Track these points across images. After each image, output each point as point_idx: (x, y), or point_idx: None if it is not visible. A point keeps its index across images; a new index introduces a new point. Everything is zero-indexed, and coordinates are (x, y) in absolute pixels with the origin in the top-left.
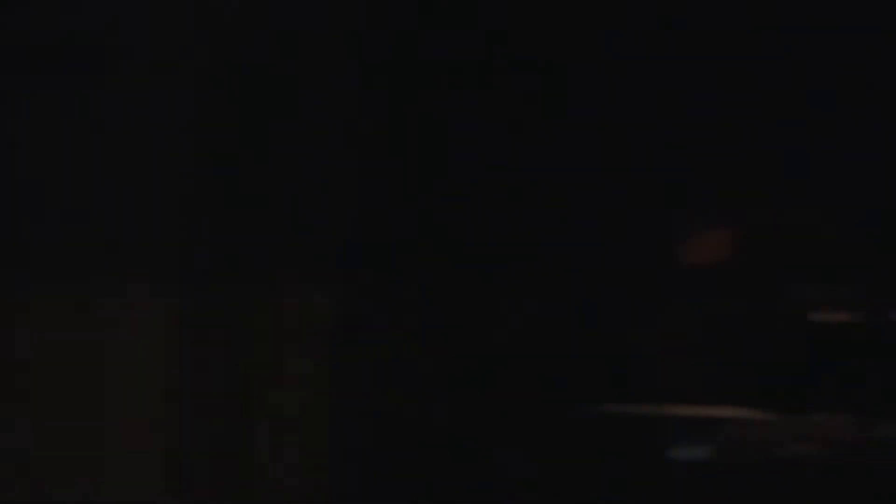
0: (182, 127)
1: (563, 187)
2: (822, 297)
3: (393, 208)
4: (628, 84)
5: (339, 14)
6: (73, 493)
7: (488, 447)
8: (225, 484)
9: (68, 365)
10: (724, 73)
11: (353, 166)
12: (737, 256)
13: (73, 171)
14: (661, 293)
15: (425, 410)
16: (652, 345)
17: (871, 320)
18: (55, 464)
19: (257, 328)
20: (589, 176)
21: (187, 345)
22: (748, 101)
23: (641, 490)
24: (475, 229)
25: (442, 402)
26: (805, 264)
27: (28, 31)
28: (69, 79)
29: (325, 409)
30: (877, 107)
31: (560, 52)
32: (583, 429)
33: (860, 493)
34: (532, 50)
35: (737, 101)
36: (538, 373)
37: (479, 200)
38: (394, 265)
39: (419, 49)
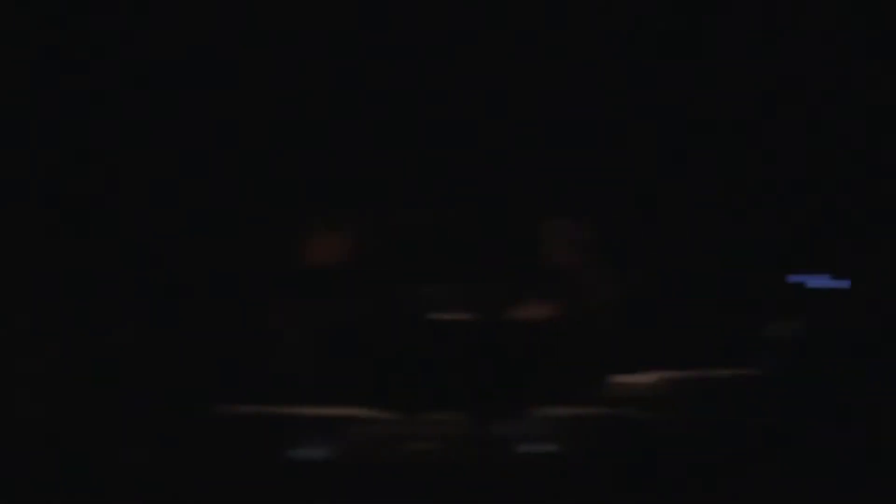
0: None
1: (175, 187)
2: (439, 296)
3: (13, 205)
4: (242, 87)
5: None
6: None
7: (113, 447)
8: None
9: None
10: (336, 76)
11: None
12: (355, 257)
13: None
14: (283, 294)
15: (46, 411)
16: (273, 345)
17: (486, 320)
18: None
19: None
20: (204, 176)
21: None
22: (364, 104)
23: (265, 490)
24: (98, 229)
25: (64, 402)
26: (422, 264)
27: None
28: None
29: None
30: (494, 112)
31: (168, 52)
32: (206, 429)
33: (477, 490)
34: (139, 49)
35: (352, 104)
36: (163, 374)
37: (99, 198)
38: (15, 266)
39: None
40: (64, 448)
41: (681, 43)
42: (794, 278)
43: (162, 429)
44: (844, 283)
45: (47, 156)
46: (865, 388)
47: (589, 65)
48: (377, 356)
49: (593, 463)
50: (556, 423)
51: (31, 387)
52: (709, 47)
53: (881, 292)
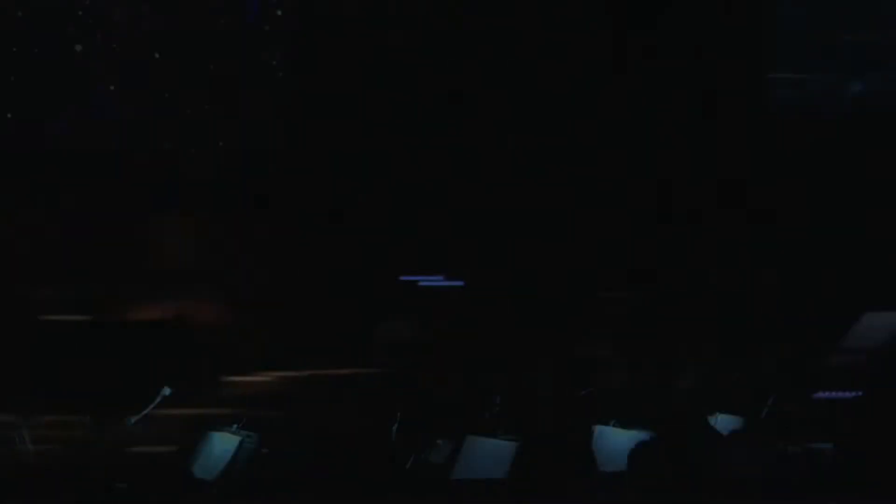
0: None
1: None
2: (51, 296)
3: None
4: None
5: None
6: None
7: None
8: None
9: None
10: None
11: None
12: None
13: None
14: None
15: None
16: None
17: (101, 321)
18: None
19: None
20: None
21: None
22: None
23: None
24: None
25: None
26: (33, 264)
27: None
28: None
29: None
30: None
31: None
32: None
33: (97, 491)
34: None
35: None
36: None
37: None
38: None
39: None
40: None
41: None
42: (407, 278)
43: None
44: (458, 283)
45: None
46: (481, 385)
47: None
48: None
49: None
50: (175, 423)
51: None
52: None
53: (495, 292)
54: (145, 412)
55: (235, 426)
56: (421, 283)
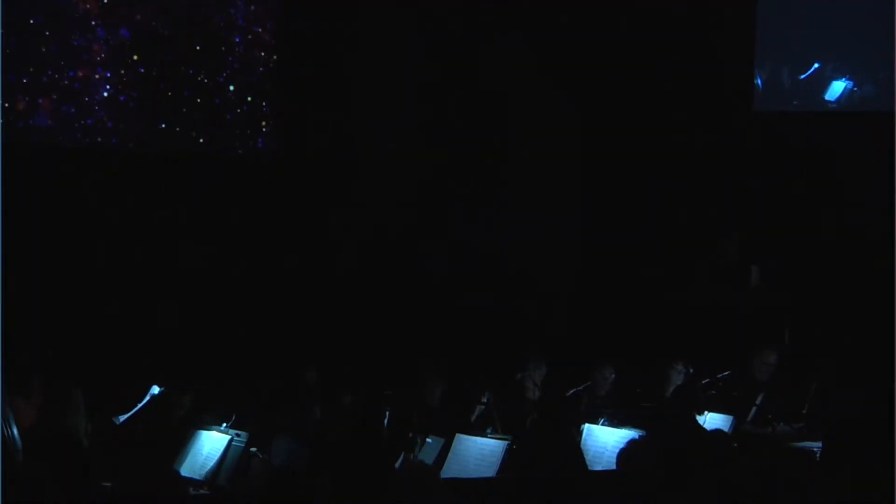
0: None
1: None
2: None
3: None
4: None
5: None
6: None
7: None
8: None
9: None
10: None
11: None
12: None
13: None
14: None
15: None
16: None
17: None
18: None
19: None
20: None
21: None
22: None
23: None
24: None
25: None
26: None
27: None
28: None
29: None
30: None
31: None
32: None
33: None
34: None
35: None
36: None
37: None
38: None
39: None
40: None
41: None
42: None
43: None
44: None
45: None
46: None
47: None
48: None
49: None
50: None
51: None
52: None
53: None
54: (134, 411)
55: (224, 425)
56: None
